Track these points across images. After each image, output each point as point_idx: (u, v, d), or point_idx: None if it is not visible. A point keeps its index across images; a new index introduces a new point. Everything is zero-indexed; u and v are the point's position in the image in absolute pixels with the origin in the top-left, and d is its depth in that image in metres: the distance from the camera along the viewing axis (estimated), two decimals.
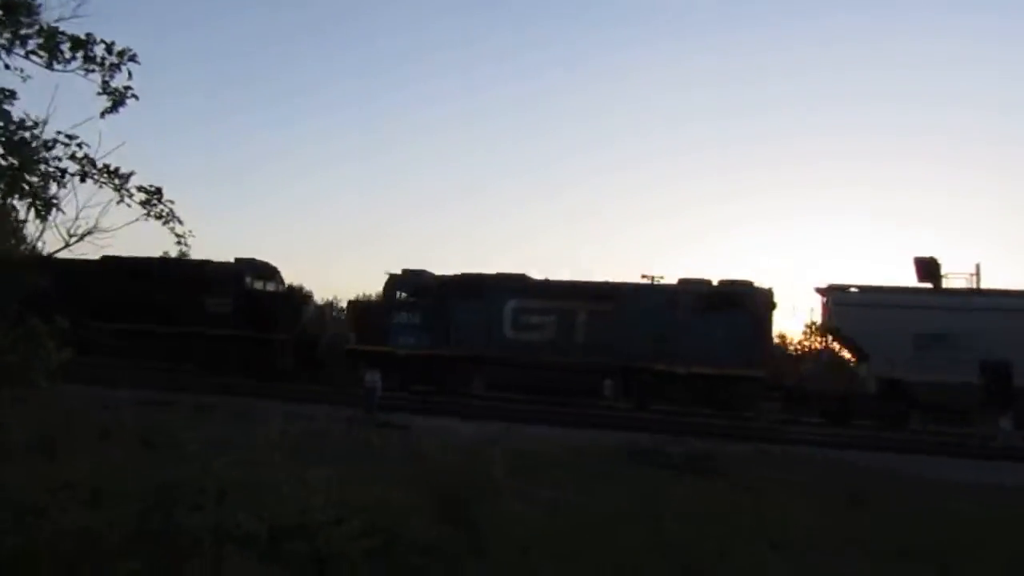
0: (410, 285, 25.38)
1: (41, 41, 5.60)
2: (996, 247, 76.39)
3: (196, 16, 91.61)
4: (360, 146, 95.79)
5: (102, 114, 5.75)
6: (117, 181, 6.11)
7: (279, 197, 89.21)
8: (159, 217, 6.24)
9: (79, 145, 6.00)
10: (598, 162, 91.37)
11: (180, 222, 6.33)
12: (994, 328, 20.16)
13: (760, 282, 23.17)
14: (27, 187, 7.52)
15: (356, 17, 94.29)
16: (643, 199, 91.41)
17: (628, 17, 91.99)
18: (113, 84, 5.73)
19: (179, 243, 6.42)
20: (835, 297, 22.32)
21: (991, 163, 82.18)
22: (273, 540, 5.26)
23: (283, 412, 13.87)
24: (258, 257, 26.89)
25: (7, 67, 5.97)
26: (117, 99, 5.73)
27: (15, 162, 7.22)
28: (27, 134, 7.02)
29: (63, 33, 5.59)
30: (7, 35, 6.08)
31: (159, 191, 6.20)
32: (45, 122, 7.09)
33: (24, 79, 5.86)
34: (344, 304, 32.86)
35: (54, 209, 7.89)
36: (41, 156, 7.05)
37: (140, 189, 6.16)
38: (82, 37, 5.57)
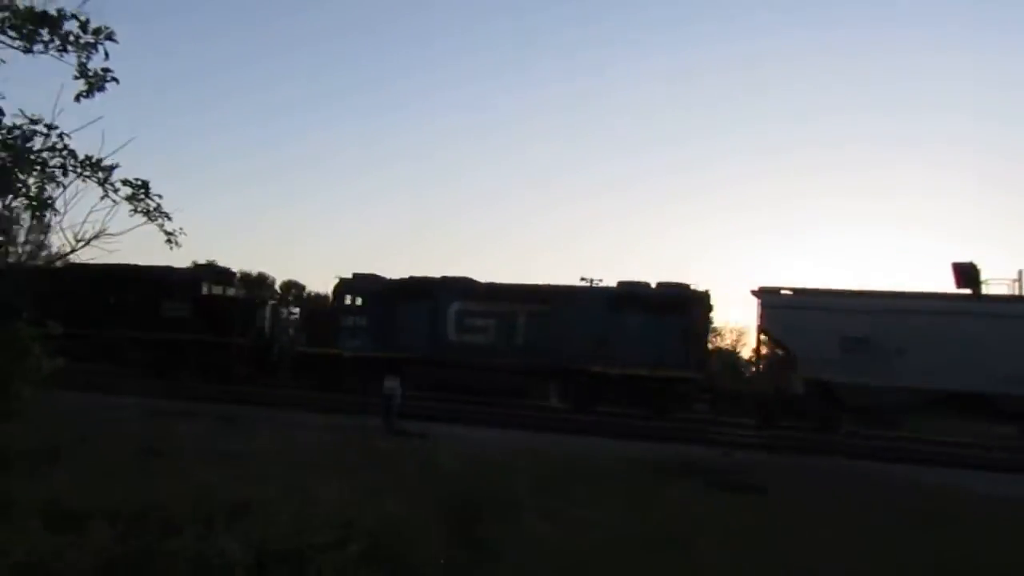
0: (358, 288, 25.89)
1: (16, 22, 5.17)
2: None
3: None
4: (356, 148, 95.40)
5: (77, 97, 5.28)
6: (101, 174, 5.67)
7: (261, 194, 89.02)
8: (146, 213, 5.79)
9: (60, 136, 5.58)
10: (590, 170, 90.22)
11: (168, 218, 5.87)
12: (918, 331, 20.28)
13: (696, 285, 23.54)
14: (21, 186, 7.13)
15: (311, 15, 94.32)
16: (673, 202, 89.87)
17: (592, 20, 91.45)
18: (91, 66, 5.26)
19: (169, 241, 5.96)
20: (766, 299, 22.27)
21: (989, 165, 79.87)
22: (261, 568, 4.73)
23: (301, 422, 13.49)
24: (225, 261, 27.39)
25: None
26: (95, 83, 5.25)
27: (6, 156, 6.84)
28: (20, 131, 6.66)
29: (31, 8, 5.12)
30: None
31: (145, 185, 5.74)
32: (41, 121, 6.76)
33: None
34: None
35: (49, 209, 7.50)
36: (35, 153, 6.67)
37: (125, 183, 5.71)
38: (52, 13, 5.09)
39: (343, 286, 26.34)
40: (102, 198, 5.82)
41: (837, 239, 78.73)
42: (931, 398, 20.01)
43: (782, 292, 22.47)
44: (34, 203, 7.00)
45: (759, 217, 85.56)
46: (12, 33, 5.27)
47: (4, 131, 6.89)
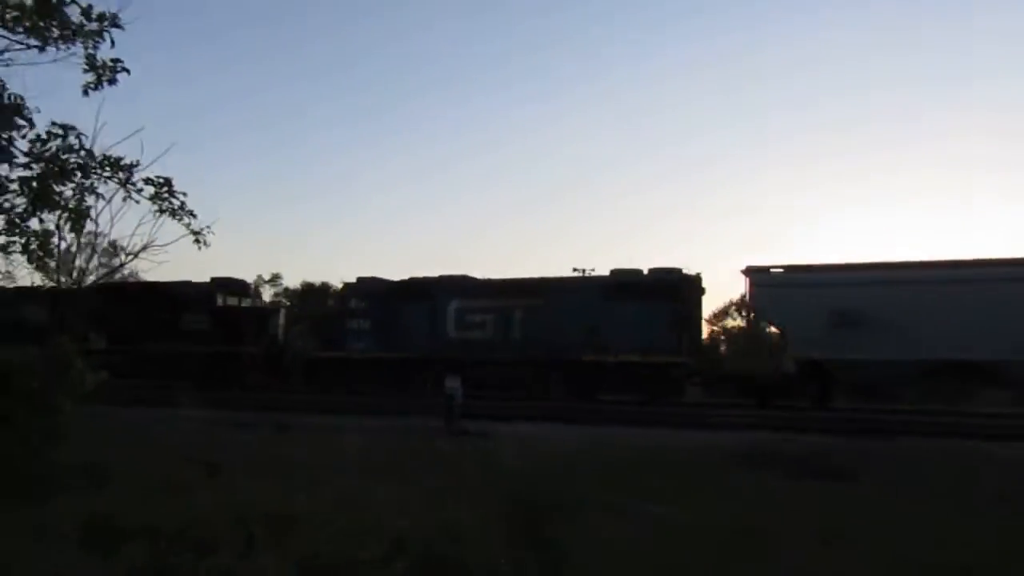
0: (362, 292, 26.64)
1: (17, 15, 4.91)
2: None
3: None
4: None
5: (85, 91, 4.99)
6: (121, 174, 5.39)
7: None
8: (171, 212, 5.49)
9: (78, 136, 5.32)
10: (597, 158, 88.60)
11: (194, 216, 5.55)
12: (908, 303, 19.93)
13: (688, 269, 23.54)
14: (57, 198, 6.95)
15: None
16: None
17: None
18: (100, 57, 4.96)
19: (197, 241, 5.65)
20: (755, 278, 22.19)
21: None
22: None
23: (362, 427, 13.24)
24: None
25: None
26: (105, 75, 4.95)
27: (39, 171, 6.65)
28: (56, 144, 6.47)
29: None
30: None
31: (168, 182, 5.42)
32: (73, 130, 6.56)
33: (7, 64, 5.23)
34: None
35: (87, 219, 7.31)
36: (66, 160, 6.45)
37: (147, 182, 5.42)
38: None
39: (347, 290, 27.40)
40: (125, 199, 5.54)
41: (844, 223, 76.68)
42: (924, 369, 19.70)
43: (772, 270, 22.31)
44: (72, 215, 6.81)
45: (764, 203, 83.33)
46: (20, 30, 5.00)
47: (38, 143, 6.73)
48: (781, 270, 22.30)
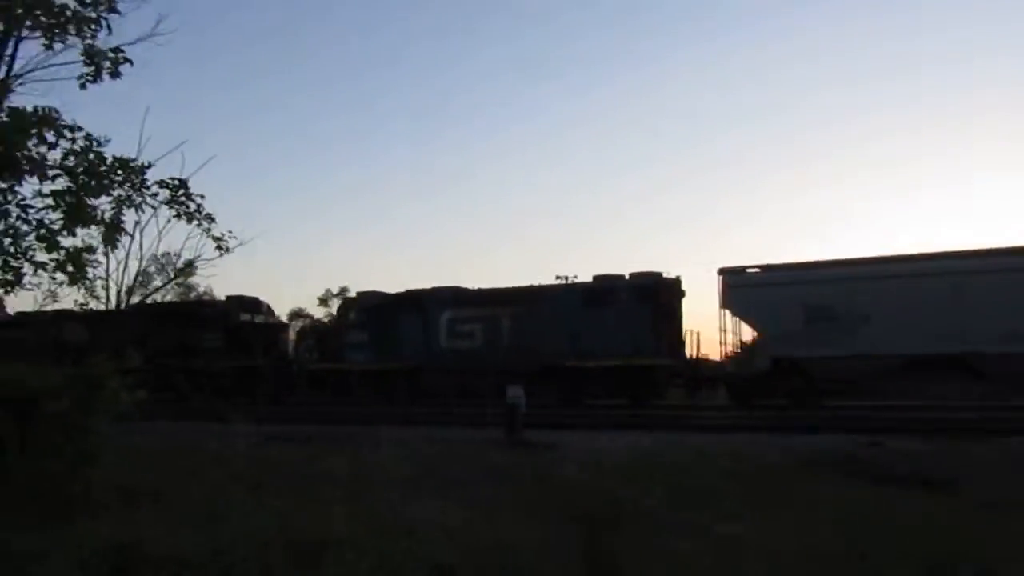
0: (360, 305, 27.64)
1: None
2: None
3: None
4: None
5: (82, 83, 4.64)
6: (134, 178, 5.07)
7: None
8: (188, 217, 5.13)
9: (86, 137, 5.01)
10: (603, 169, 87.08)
11: (212, 220, 5.18)
12: (882, 296, 19.82)
13: (668, 273, 23.85)
14: (92, 211, 6.72)
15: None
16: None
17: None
18: (98, 47, 4.62)
19: (218, 247, 5.30)
20: (729, 278, 22.14)
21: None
22: None
23: (411, 438, 12.83)
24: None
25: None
26: (105, 66, 4.60)
27: (73, 185, 6.42)
28: (91, 156, 6.24)
29: None
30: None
31: (183, 184, 5.08)
32: (108, 141, 6.33)
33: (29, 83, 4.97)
34: None
35: (121, 232, 7.07)
36: (102, 174, 6.20)
37: (161, 184, 5.08)
38: None
39: (347, 304, 28.91)
40: (139, 204, 5.20)
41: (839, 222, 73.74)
42: (901, 363, 19.35)
43: (747, 271, 22.25)
44: (107, 227, 6.57)
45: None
46: (30, 24, 4.71)
47: (72, 158, 6.52)
48: (756, 270, 22.40)
